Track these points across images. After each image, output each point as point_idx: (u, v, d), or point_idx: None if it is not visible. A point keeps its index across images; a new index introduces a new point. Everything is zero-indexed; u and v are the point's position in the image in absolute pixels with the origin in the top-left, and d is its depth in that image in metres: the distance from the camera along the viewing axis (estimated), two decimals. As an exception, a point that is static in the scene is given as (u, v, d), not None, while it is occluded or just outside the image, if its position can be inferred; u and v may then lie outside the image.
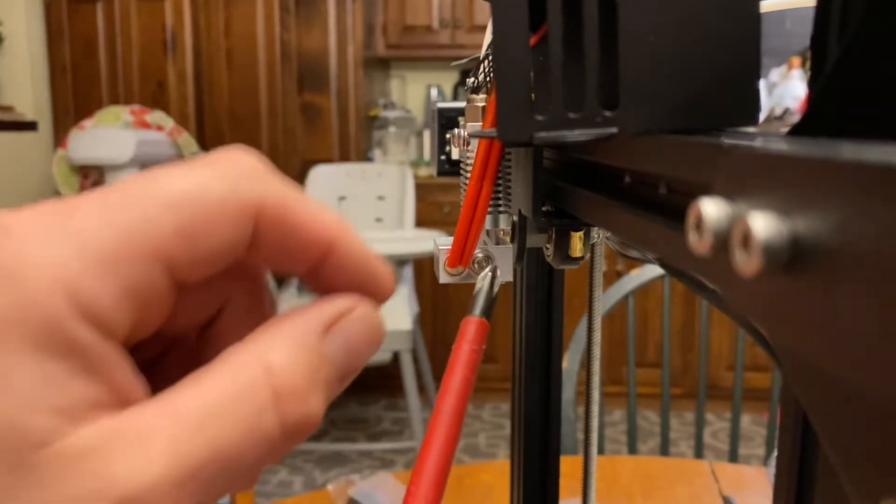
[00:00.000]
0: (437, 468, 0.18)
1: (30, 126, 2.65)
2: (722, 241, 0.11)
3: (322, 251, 0.19)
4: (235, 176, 0.18)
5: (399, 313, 2.14)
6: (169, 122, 2.45)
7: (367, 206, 2.49)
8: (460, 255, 0.30)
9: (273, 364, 0.17)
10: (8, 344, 0.14)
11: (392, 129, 2.87)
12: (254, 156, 0.19)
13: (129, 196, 0.16)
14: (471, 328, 0.22)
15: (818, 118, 0.14)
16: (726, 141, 0.14)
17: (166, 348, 0.21)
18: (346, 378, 0.19)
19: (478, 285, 0.25)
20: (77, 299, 0.15)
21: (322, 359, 0.18)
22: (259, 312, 0.20)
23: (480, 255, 0.31)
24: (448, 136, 0.36)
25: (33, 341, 0.15)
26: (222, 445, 0.16)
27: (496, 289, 0.25)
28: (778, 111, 0.31)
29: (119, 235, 0.16)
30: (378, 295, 0.20)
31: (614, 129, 0.19)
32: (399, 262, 2.26)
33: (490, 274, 0.25)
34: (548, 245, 0.27)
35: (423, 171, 2.72)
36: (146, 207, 0.16)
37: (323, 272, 0.19)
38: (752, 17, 0.18)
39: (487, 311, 0.23)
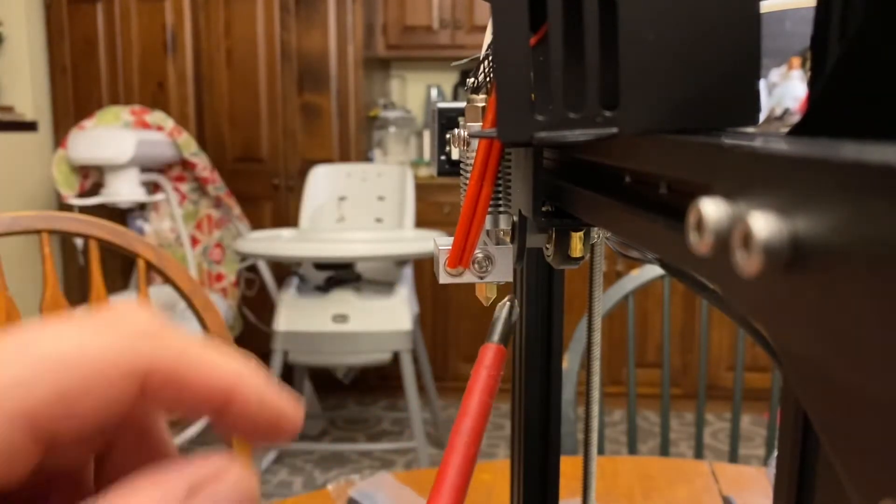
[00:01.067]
0: (454, 489, 0.19)
1: (30, 126, 2.65)
2: (722, 241, 0.11)
3: (220, 402, 0.19)
4: (122, 336, 0.17)
5: (399, 313, 2.14)
6: (169, 123, 2.45)
7: (367, 206, 2.49)
8: (460, 255, 0.30)
9: None
10: None
11: (392, 129, 2.87)
12: (147, 310, 0.18)
13: (4, 354, 0.16)
14: (489, 354, 0.23)
15: (818, 118, 0.14)
16: (726, 141, 0.14)
17: (49, 481, 0.20)
18: None
19: (496, 313, 0.25)
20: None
21: None
22: (147, 452, 0.20)
23: (480, 255, 0.31)
24: (448, 136, 0.36)
25: None
26: None
27: (514, 317, 0.25)
28: (778, 111, 0.31)
29: None
30: (284, 433, 0.20)
31: (614, 129, 0.19)
32: (399, 262, 2.26)
33: (509, 303, 0.26)
34: (548, 245, 0.27)
35: (423, 172, 2.72)
36: (20, 369, 0.16)
37: (226, 418, 0.19)
38: (752, 17, 0.18)
39: (505, 338, 0.24)
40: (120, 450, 0.20)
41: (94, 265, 0.97)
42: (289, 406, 0.20)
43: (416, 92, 3.08)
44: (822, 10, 0.16)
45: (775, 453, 0.19)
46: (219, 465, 0.18)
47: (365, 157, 2.78)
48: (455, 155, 0.35)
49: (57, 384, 0.16)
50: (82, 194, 2.43)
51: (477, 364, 0.23)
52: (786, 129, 0.15)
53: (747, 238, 0.10)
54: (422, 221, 2.53)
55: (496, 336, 0.24)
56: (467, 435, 0.20)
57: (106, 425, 0.18)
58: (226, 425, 0.19)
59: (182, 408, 0.19)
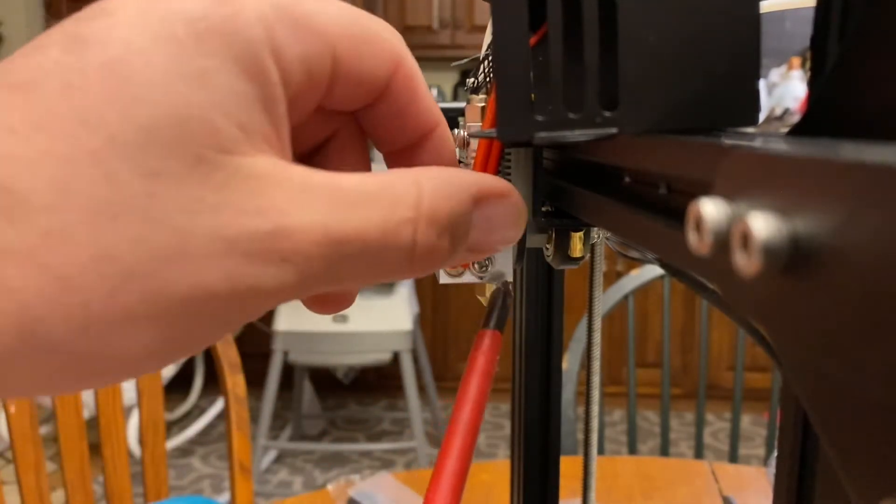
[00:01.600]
0: (454, 475, 0.19)
1: (30, 126, 2.65)
2: (722, 242, 0.11)
3: (427, 130, 0.21)
4: (386, 26, 0.20)
5: (399, 313, 2.14)
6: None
7: (367, 207, 2.49)
8: (460, 255, 0.30)
9: (424, 188, 0.18)
10: (211, 47, 0.15)
11: (392, 129, 2.87)
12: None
13: None
14: (486, 340, 0.23)
15: (818, 118, 0.14)
16: (726, 141, 0.14)
17: (327, 122, 0.22)
18: (478, 251, 0.20)
19: (491, 298, 0.25)
20: (272, 42, 0.16)
21: (465, 218, 0.19)
22: (360, 153, 0.23)
23: (480, 255, 0.31)
24: (448, 136, 0.36)
25: (233, 56, 0.16)
26: (366, 231, 0.16)
27: (509, 302, 0.25)
28: (778, 111, 0.31)
29: (309, 12, 0.17)
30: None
31: (614, 130, 0.19)
32: (399, 262, 2.26)
33: (502, 289, 0.26)
34: (548, 245, 0.27)
35: (423, 172, 2.72)
36: (333, 6, 0.18)
37: (414, 155, 0.21)
38: (752, 18, 0.18)
39: (501, 324, 0.24)
40: (335, 145, 0.22)
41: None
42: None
43: (416, 92, 3.08)
44: (822, 10, 0.16)
45: (775, 453, 0.19)
46: (506, 185, 0.20)
47: (365, 156, 2.78)
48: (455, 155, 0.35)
49: (353, 34, 0.18)
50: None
51: (474, 350, 0.23)
52: (786, 129, 0.15)
53: (746, 238, 0.10)
54: (422, 221, 2.53)
55: (492, 322, 0.24)
56: (465, 423, 0.20)
57: (338, 112, 0.20)
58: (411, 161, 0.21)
59: (398, 124, 0.21)
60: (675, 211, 0.16)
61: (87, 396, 1.07)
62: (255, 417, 2.13)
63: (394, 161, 0.22)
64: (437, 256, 0.18)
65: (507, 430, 2.01)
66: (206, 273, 0.15)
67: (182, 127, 0.15)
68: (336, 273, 0.16)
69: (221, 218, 0.15)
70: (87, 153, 0.14)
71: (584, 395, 0.39)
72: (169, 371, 2.20)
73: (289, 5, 0.17)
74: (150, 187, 0.14)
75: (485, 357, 0.22)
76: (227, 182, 0.15)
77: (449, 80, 3.01)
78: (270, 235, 0.15)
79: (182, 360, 0.19)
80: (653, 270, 1.15)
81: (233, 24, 0.16)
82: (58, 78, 0.14)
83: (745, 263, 0.10)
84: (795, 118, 0.18)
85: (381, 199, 0.17)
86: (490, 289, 0.32)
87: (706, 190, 0.13)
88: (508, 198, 0.20)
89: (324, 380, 2.61)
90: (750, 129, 0.19)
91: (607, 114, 0.19)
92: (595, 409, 0.39)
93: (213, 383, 2.47)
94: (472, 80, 0.31)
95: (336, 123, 0.22)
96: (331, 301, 0.22)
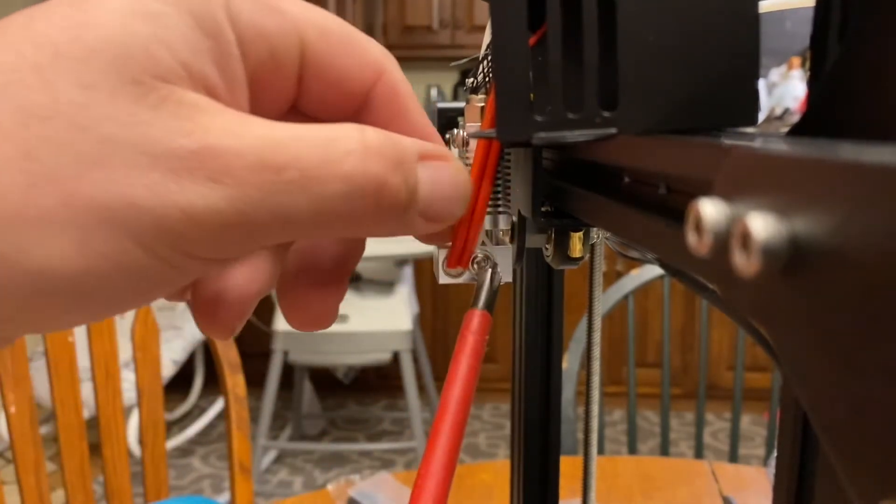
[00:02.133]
0: (445, 453, 0.19)
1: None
2: (721, 242, 0.11)
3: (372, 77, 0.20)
4: (371, 40, 0.20)
5: (399, 313, 2.14)
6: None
7: (367, 207, 2.49)
8: (459, 255, 0.30)
9: (367, 129, 0.17)
10: None
11: (392, 129, 2.86)
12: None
13: None
14: (475, 320, 0.23)
15: (818, 118, 0.14)
16: (726, 141, 0.14)
17: None
18: (430, 217, 0.19)
19: (479, 280, 0.25)
20: (229, 7, 0.17)
21: (411, 164, 0.18)
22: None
23: (480, 255, 0.31)
24: (448, 136, 0.36)
25: (188, 9, 0.16)
26: (306, 158, 0.16)
27: (496, 283, 0.25)
28: (778, 111, 0.31)
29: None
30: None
31: (614, 130, 0.19)
32: (399, 262, 2.26)
33: (490, 270, 0.26)
34: (547, 245, 0.27)
35: (423, 171, 2.72)
36: (305, 3, 0.19)
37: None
38: (751, 17, 0.18)
39: (489, 304, 0.24)
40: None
41: (93, 265, 0.97)
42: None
43: (416, 91, 3.07)
44: (821, 10, 0.16)
45: (775, 453, 0.19)
46: (448, 152, 0.20)
47: (365, 156, 2.78)
48: (455, 155, 0.35)
49: (322, 23, 0.19)
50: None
51: (463, 329, 0.22)
52: (786, 129, 0.15)
53: (746, 239, 0.10)
54: (422, 221, 2.53)
55: (480, 302, 0.24)
56: (456, 402, 0.20)
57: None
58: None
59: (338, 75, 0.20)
60: (674, 211, 0.16)
61: (88, 396, 1.07)
62: (255, 417, 2.13)
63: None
64: (393, 196, 0.17)
65: (507, 430, 2.01)
66: (128, 184, 0.15)
67: (124, 49, 0.15)
68: (278, 208, 0.16)
69: (150, 133, 0.15)
70: (30, 64, 0.15)
71: (584, 395, 0.39)
72: (169, 371, 2.20)
73: None
74: (84, 97, 0.15)
75: (474, 337, 0.22)
76: (160, 104, 0.15)
77: (449, 79, 3.01)
78: (196, 154, 0.15)
79: (137, 301, 0.18)
80: (653, 270, 1.15)
81: None
82: (24, 15, 0.15)
83: (745, 264, 0.10)
84: (795, 118, 0.18)
85: (321, 133, 0.17)
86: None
87: (706, 190, 0.13)
88: (450, 161, 0.20)
89: (324, 380, 2.61)
90: (750, 129, 0.19)
91: (607, 114, 0.19)
92: (595, 408, 0.39)
93: (213, 383, 2.47)
94: (471, 80, 0.31)
95: None
96: (311, 314, 0.22)
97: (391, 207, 0.18)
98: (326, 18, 0.19)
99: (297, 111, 0.20)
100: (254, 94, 0.18)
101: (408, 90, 0.21)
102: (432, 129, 0.21)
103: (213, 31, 0.16)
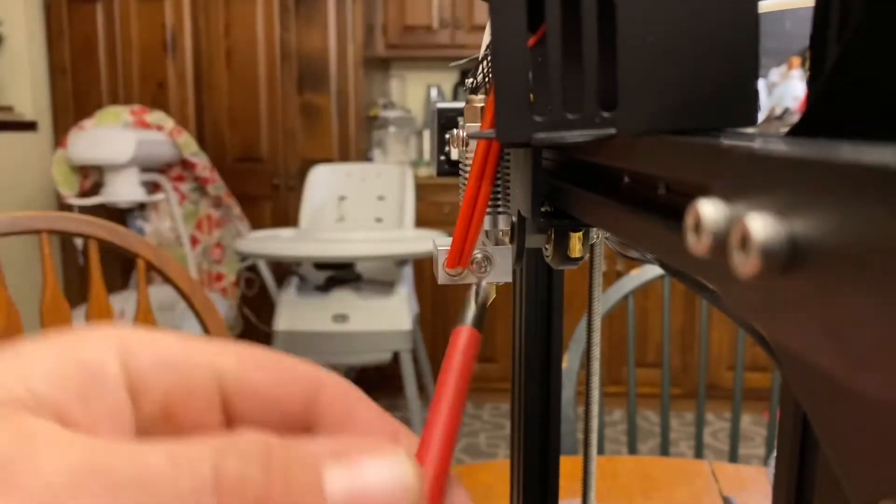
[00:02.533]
0: (430, 480, 0.18)
1: (29, 126, 2.65)
2: (720, 243, 0.11)
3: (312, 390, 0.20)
4: (301, 361, 0.20)
5: (399, 313, 2.14)
6: (169, 123, 2.45)
7: (367, 206, 2.49)
8: (459, 255, 0.30)
9: (230, 457, 0.15)
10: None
11: (392, 129, 2.87)
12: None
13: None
14: (462, 337, 0.22)
15: (818, 118, 0.14)
16: (725, 141, 0.14)
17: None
18: None
19: (467, 296, 0.24)
20: (125, 346, 0.18)
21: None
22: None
23: (479, 255, 0.31)
24: (447, 136, 0.36)
25: (73, 348, 0.17)
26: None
27: (483, 297, 0.24)
28: (778, 111, 0.31)
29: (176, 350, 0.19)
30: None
31: (613, 130, 0.19)
32: (399, 262, 2.26)
33: (475, 286, 0.25)
34: (547, 245, 0.27)
35: (423, 171, 2.72)
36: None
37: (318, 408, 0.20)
38: (751, 17, 0.18)
39: (479, 322, 0.23)
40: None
41: (93, 265, 0.97)
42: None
43: (415, 92, 3.08)
44: (821, 10, 0.16)
45: (775, 453, 0.19)
46: (392, 450, 0.17)
47: (365, 156, 2.78)
48: (454, 155, 0.35)
49: (238, 356, 0.19)
50: (82, 194, 2.43)
51: (450, 348, 0.21)
52: (785, 129, 0.15)
53: (745, 239, 0.10)
54: (422, 221, 2.53)
55: (468, 319, 0.23)
56: (442, 430, 0.19)
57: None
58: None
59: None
60: (674, 211, 0.16)
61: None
62: (255, 417, 2.13)
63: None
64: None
65: (507, 430, 2.01)
66: None
67: None
68: None
69: None
70: None
71: (584, 395, 0.39)
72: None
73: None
74: None
75: (462, 357, 0.21)
76: None
77: (449, 79, 3.01)
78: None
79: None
80: (653, 270, 1.15)
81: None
82: None
83: (744, 264, 0.10)
84: (795, 118, 0.18)
85: (159, 460, 0.15)
86: (490, 290, 0.32)
87: (705, 191, 0.13)
88: (390, 458, 0.17)
89: (324, 380, 2.61)
90: (749, 130, 0.19)
91: (606, 114, 0.19)
92: (595, 408, 0.39)
93: (214, 383, 2.47)
94: (471, 80, 0.31)
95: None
96: None
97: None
98: (246, 349, 0.19)
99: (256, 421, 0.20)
100: (171, 417, 0.18)
101: (355, 394, 0.20)
102: (392, 425, 0.20)
103: (87, 367, 0.17)
